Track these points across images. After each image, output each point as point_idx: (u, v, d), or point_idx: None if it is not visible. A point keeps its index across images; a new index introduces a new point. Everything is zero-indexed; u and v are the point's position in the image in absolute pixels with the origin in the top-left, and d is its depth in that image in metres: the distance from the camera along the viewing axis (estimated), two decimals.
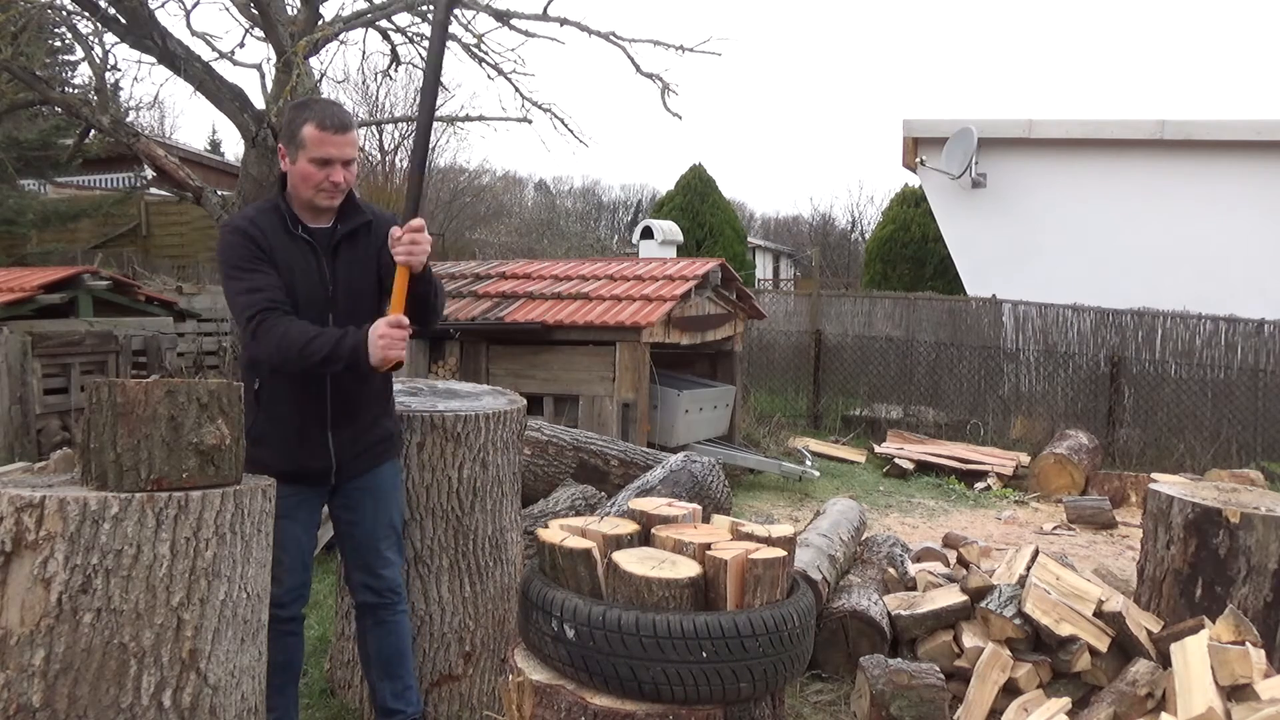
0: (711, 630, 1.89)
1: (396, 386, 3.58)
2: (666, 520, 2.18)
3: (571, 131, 6.84)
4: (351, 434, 2.68)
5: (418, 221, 2.47)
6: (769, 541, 2.10)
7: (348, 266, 2.66)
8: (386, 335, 2.42)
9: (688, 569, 1.99)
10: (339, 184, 2.56)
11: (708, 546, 2.05)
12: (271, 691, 2.65)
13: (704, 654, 1.88)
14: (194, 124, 65.98)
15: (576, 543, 2.07)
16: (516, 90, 6.68)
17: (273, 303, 2.49)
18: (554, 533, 2.17)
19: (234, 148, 30.13)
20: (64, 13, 6.09)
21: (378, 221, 2.71)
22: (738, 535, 2.16)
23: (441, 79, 2.71)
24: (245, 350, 2.62)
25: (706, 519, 2.47)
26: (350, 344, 2.44)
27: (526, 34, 6.37)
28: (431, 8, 6.17)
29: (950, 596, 3.64)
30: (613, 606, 1.94)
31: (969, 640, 3.41)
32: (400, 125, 21.51)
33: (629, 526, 2.18)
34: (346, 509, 2.76)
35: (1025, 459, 8.51)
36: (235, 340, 8.35)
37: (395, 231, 2.46)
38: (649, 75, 6.54)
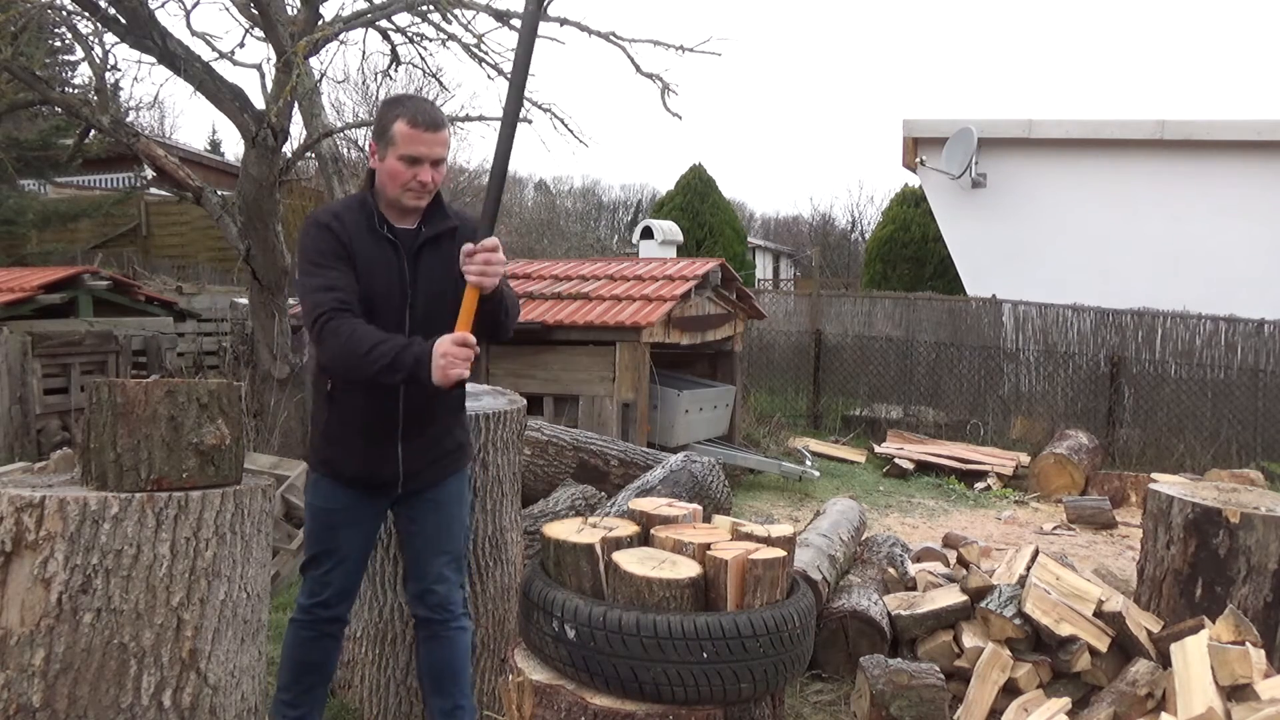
0: (712, 631, 1.89)
1: None
2: (667, 520, 2.18)
3: (571, 131, 6.84)
4: (422, 443, 2.60)
5: (491, 241, 2.36)
6: (769, 542, 2.11)
7: (429, 271, 2.58)
8: (450, 354, 2.31)
9: (688, 569, 1.99)
10: (427, 184, 2.48)
11: (708, 547, 2.05)
12: (300, 690, 2.68)
13: (705, 654, 1.88)
14: (194, 124, 66.01)
15: (580, 538, 2.07)
16: None
17: (343, 303, 2.41)
18: (556, 529, 2.17)
19: (234, 148, 30.15)
20: (64, 13, 6.08)
21: (464, 227, 2.62)
22: (738, 535, 2.16)
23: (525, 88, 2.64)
24: (315, 349, 2.57)
25: (707, 519, 2.47)
26: (414, 355, 2.33)
27: None
28: (431, 7, 6.18)
29: (950, 596, 3.64)
30: (613, 607, 1.94)
31: (969, 640, 3.41)
32: None
33: (629, 527, 2.18)
34: (409, 519, 2.68)
35: (1025, 459, 8.51)
36: (235, 340, 8.35)
37: (468, 248, 2.36)
38: (649, 75, 6.53)
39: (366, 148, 2.57)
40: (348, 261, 2.47)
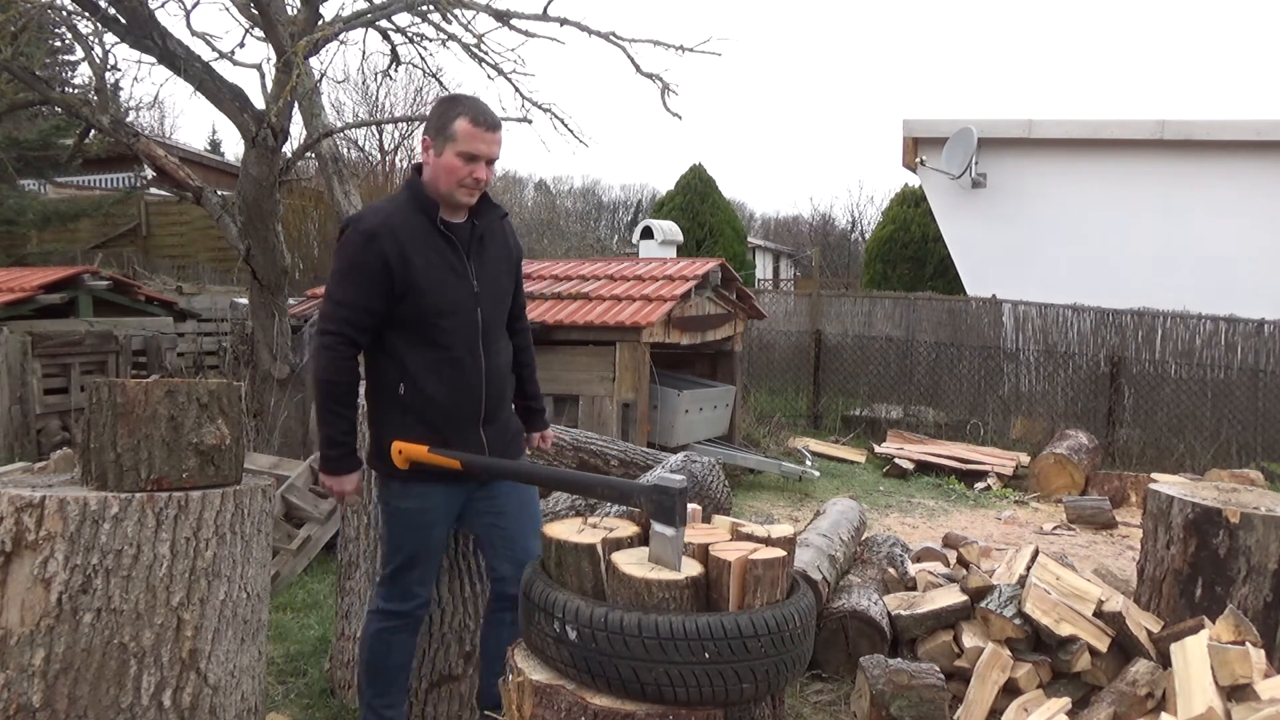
0: (714, 631, 1.89)
1: None
2: None
3: (571, 131, 6.84)
4: (499, 427, 2.70)
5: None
6: (769, 542, 2.10)
7: (488, 264, 2.66)
8: (345, 489, 2.59)
9: (688, 570, 1.98)
10: (482, 180, 2.54)
11: (708, 547, 2.05)
12: (396, 691, 2.73)
13: (707, 655, 1.87)
14: (194, 124, 65.98)
15: (580, 538, 2.07)
16: (516, 90, 6.67)
17: (348, 328, 2.48)
18: (556, 530, 2.17)
19: (234, 148, 30.15)
20: (64, 13, 6.08)
21: (509, 219, 2.75)
22: (738, 535, 2.16)
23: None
24: (365, 355, 2.61)
25: (707, 519, 2.47)
26: (346, 464, 2.55)
27: (526, 34, 6.36)
28: (431, 7, 6.18)
29: (950, 596, 3.64)
30: (614, 608, 1.94)
31: (969, 640, 3.41)
32: (400, 125, 21.50)
33: (629, 528, 2.18)
34: (490, 503, 2.70)
35: (1025, 459, 8.51)
36: (235, 340, 8.35)
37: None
38: (649, 75, 6.53)
39: (419, 143, 2.61)
40: (385, 276, 2.48)
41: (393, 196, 2.65)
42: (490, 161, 2.54)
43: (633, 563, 2.00)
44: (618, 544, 2.10)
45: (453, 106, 2.52)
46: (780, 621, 1.93)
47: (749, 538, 2.12)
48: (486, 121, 2.50)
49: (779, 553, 2.02)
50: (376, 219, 2.52)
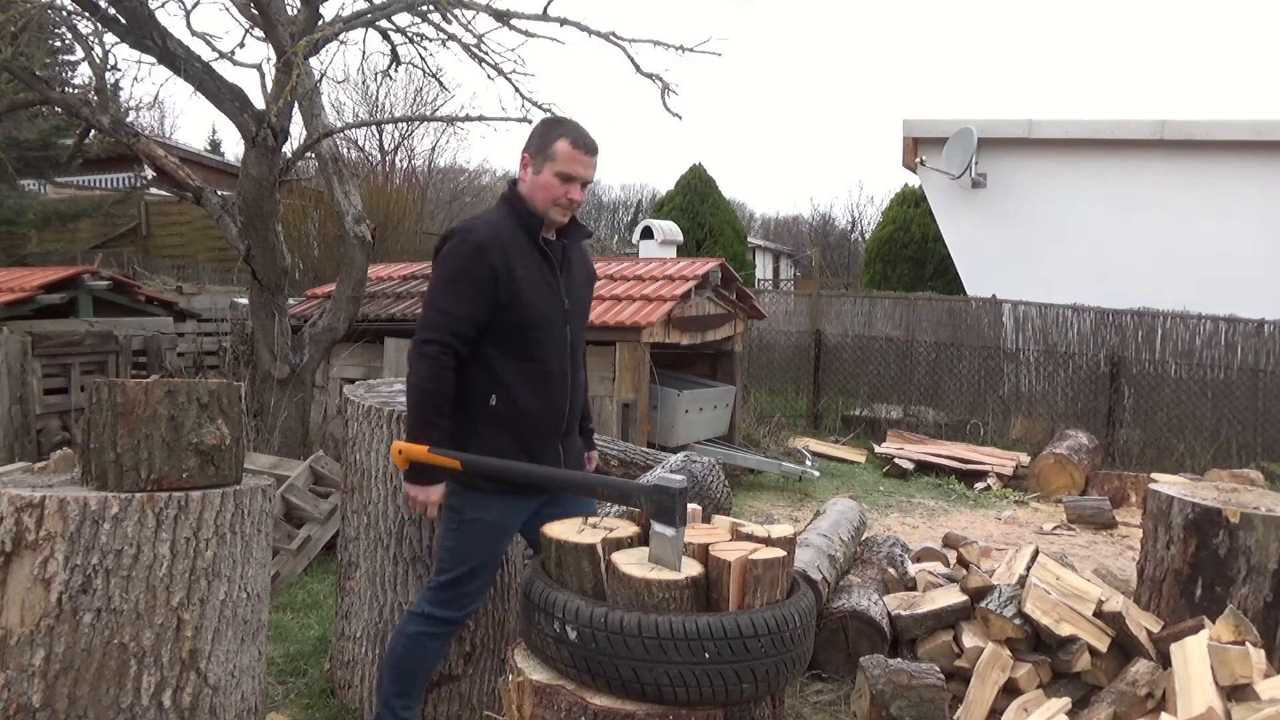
0: (714, 631, 1.89)
1: (396, 386, 3.58)
2: None
3: None
4: (572, 442, 2.80)
5: None
6: (769, 542, 2.10)
7: (575, 282, 2.75)
8: (429, 502, 2.57)
9: (688, 570, 1.98)
10: (576, 201, 2.63)
11: (708, 547, 2.05)
12: (417, 690, 2.74)
13: (707, 655, 1.87)
14: (194, 124, 66.00)
15: (581, 538, 2.07)
16: (516, 90, 6.65)
17: (450, 338, 2.51)
18: (556, 529, 2.16)
19: (234, 148, 30.16)
20: (64, 13, 6.08)
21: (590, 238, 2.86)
22: (738, 536, 2.16)
23: None
24: (462, 366, 2.60)
25: (707, 519, 2.47)
26: (433, 474, 2.53)
27: (527, 34, 6.35)
28: (431, 7, 6.17)
29: (950, 596, 3.64)
30: (614, 608, 1.94)
31: (969, 640, 3.41)
32: (400, 125, 21.50)
33: (630, 528, 2.18)
34: (558, 513, 2.63)
35: (1025, 459, 8.51)
36: (235, 340, 8.35)
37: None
38: (649, 75, 6.52)
39: (519, 161, 2.68)
40: (491, 286, 2.52)
41: (492, 210, 2.70)
42: (585, 184, 2.64)
43: (632, 563, 2.00)
44: (618, 544, 2.10)
45: (555, 128, 2.63)
46: (780, 622, 1.93)
47: (749, 538, 2.12)
48: (586, 145, 2.60)
49: (779, 553, 2.02)
50: (486, 231, 2.56)
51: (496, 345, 2.58)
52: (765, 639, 1.91)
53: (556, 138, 2.58)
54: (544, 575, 2.13)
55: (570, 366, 2.70)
